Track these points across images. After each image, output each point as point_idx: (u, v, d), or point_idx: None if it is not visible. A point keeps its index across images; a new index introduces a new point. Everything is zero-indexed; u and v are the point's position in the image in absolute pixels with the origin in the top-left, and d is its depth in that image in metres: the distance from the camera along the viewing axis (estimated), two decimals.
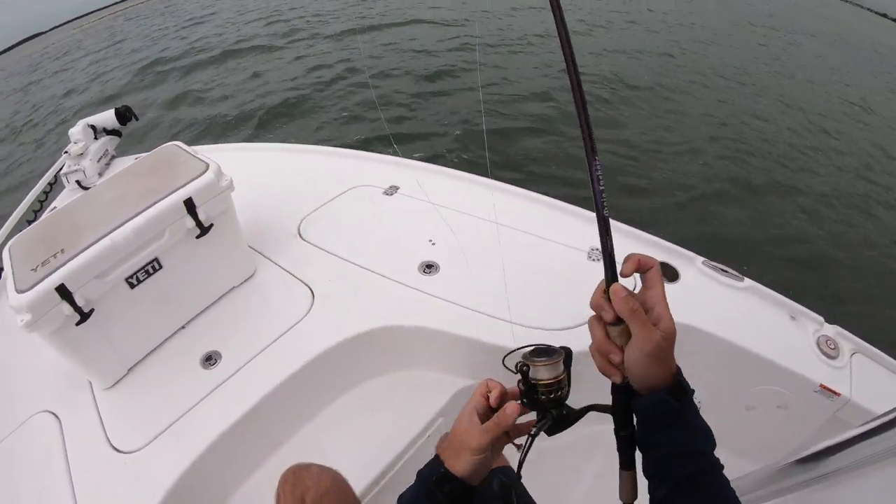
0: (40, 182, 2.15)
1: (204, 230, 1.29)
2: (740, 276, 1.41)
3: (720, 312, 1.31)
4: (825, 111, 7.41)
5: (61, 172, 2.10)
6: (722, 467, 0.59)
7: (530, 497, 0.89)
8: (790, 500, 0.77)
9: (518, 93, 6.46)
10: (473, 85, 6.74)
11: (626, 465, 0.64)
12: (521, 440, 0.66)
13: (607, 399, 0.65)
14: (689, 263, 1.44)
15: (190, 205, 1.23)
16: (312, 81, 7.94)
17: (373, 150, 2.11)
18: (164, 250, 1.24)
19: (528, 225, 1.58)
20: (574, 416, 0.66)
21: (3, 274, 1.62)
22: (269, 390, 1.19)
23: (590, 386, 0.71)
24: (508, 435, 0.67)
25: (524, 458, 0.63)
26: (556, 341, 0.66)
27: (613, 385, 0.63)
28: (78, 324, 1.13)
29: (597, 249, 1.45)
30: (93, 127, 2.23)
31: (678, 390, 0.58)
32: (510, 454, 0.73)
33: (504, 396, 0.67)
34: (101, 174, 2.14)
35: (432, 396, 1.31)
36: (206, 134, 6.74)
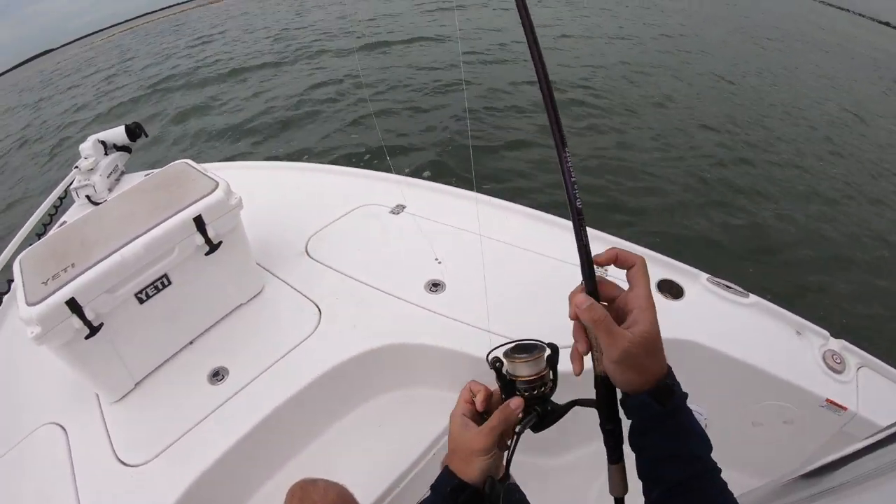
0: (51, 196, 2.17)
1: (213, 247, 1.31)
2: (745, 292, 1.41)
3: (725, 328, 1.31)
4: (830, 120, 7.44)
5: (71, 187, 2.13)
6: (719, 471, 0.58)
7: (524, 495, 0.89)
8: None
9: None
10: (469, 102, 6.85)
11: (613, 459, 0.64)
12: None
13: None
14: (694, 280, 1.44)
15: (199, 222, 1.25)
16: (314, 98, 8.09)
17: (362, 165, 2.13)
18: (174, 266, 1.26)
19: (533, 243, 1.60)
20: (559, 412, 0.66)
21: (12, 286, 1.65)
22: (276, 406, 1.19)
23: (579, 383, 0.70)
24: (502, 436, 0.65)
25: (511, 455, 0.63)
26: (564, 358, 0.66)
27: (596, 379, 0.63)
28: (87, 337, 1.14)
29: (605, 267, 1.46)
30: (103, 143, 2.27)
31: (662, 393, 0.57)
32: None
33: (490, 399, 0.67)
34: (110, 189, 2.17)
35: (439, 413, 1.30)
36: (212, 149, 6.83)
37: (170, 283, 1.27)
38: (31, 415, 1.28)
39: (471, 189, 1.88)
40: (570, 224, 0.62)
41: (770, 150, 6.01)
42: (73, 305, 1.08)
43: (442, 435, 1.28)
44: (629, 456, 0.63)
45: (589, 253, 0.62)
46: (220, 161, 2.51)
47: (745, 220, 4.53)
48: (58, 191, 2.19)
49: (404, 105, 7.04)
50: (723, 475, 0.59)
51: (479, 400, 0.67)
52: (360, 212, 1.84)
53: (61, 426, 1.24)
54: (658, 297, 1.39)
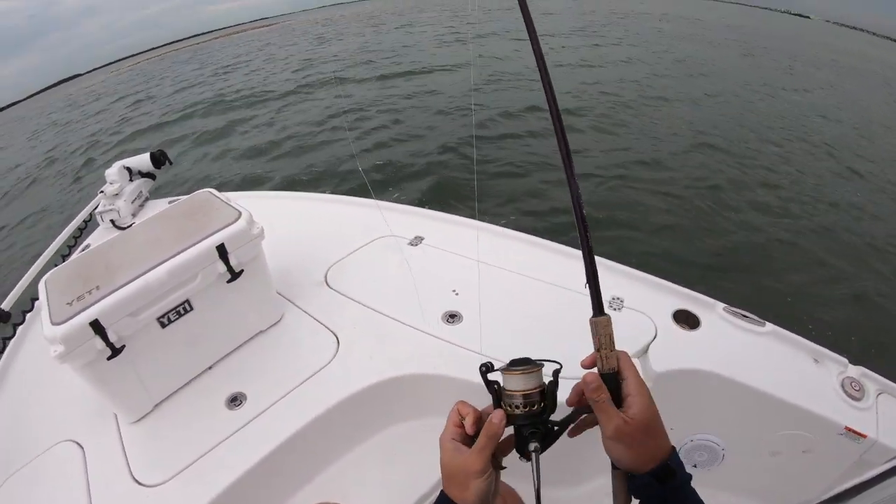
0: (76, 219, 2.23)
1: (235, 275, 1.34)
2: (761, 320, 1.40)
3: (742, 358, 1.29)
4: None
5: (97, 211, 2.19)
6: None
7: None
8: None
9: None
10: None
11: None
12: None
13: None
14: (710, 310, 1.43)
15: (222, 250, 1.28)
16: (328, 126, 8.28)
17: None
18: (196, 293, 1.28)
19: (550, 274, 1.60)
20: (562, 427, 0.66)
21: (36, 304, 1.69)
22: (293, 433, 1.20)
23: None
24: (495, 455, 0.65)
25: (539, 484, 0.62)
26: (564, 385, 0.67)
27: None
28: (109, 358, 1.17)
29: (618, 298, 1.46)
30: (128, 169, 2.34)
31: (664, 473, 0.60)
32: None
33: (480, 421, 0.66)
34: (134, 214, 2.23)
35: None
36: (232, 174, 7.01)
37: (192, 308, 1.30)
38: (49, 431, 1.30)
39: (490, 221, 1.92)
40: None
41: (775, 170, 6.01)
42: (96, 327, 1.11)
43: None
44: None
45: (594, 265, 0.72)
46: (240, 189, 2.57)
47: (759, 243, 4.49)
48: (83, 214, 2.25)
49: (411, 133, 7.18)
50: None
51: (468, 423, 0.66)
52: (379, 243, 1.87)
53: (78, 444, 1.26)
54: (674, 328, 1.38)
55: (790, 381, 1.24)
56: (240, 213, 1.35)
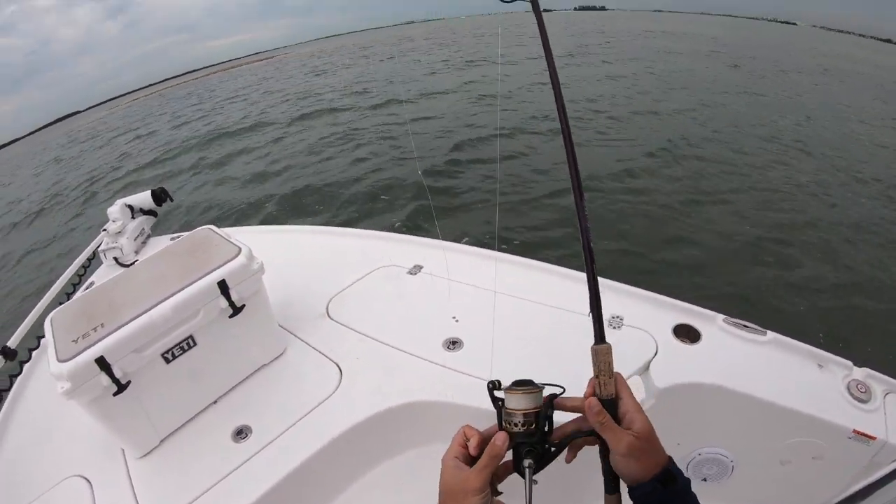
0: (80, 257, 2.25)
1: (236, 310, 1.35)
2: (762, 329, 1.39)
3: (745, 369, 1.29)
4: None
5: (100, 249, 2.22)
6: None
7: None
8: None
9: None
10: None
11: (610, 489, 0.69)
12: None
13: None
14: (710, 322, 1.44)
15: (223, 286, 1.30)
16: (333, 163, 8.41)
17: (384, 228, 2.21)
18: (199, 328, 1.30)
19: (549, 297, 1.61)
20: (559, 447, 0.69)
21: (42, 342, 1.71)
22: (299, 464, 1.20)
23: None
24: (492, 479, 0.67)
25: (530, 501, 0.64)
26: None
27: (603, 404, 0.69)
28: (115, 394, 1.18)
29: (618, 317, 1.47)
30: (130, 207, 2.37)
31: (666, 478, 0.64)
32: None
33: (483, 443, 0.68)
34: (137, 252, 2.25)
35: None
36: (233, 210, 7.12)
37: (195, 344, 1.31)
38: (57, 466, 1.31)
39: (483, 247, 1.95)
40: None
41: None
42: (102, 363, 1.12)
43: None
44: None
45: (597, 289, 0.78)
46: (245, 216, 2.60)
47: (767, 256, 4.51)
48: (86, 252, 2.27)
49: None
50: None
51: (472, 444, 0.69)
52: (379, 273, 1.89)
53: (86, 479, 1.26)
54: (675, 343, 1.39)
55: (795, 388, 1.24)
56: (239, 250, 1.37)
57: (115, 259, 2.20)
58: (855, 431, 1.14)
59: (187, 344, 1.30)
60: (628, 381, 0.72)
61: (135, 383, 1.21)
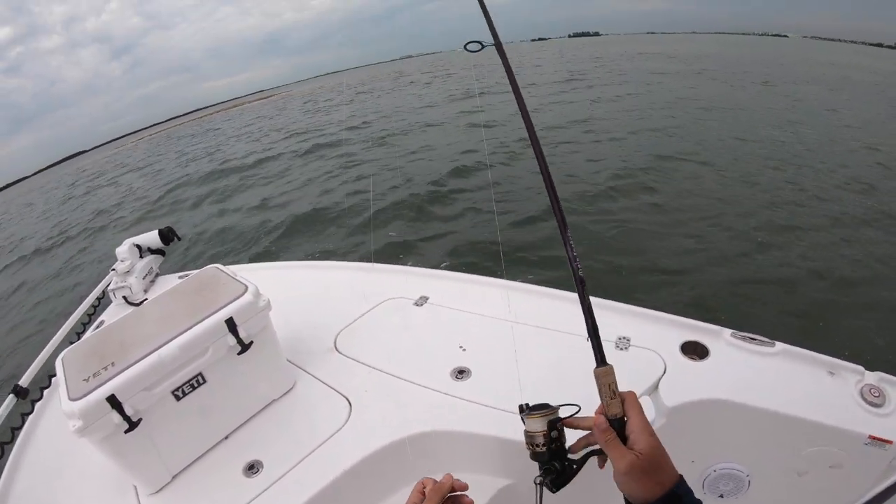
0: (89, 297, 2.28)
1: (245, 347, 1.36)
2: (770, 341, 1.38)
3: (755, 382, 1.28)
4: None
5: (109, 288, 2.25)
6: None
7: None
8: None
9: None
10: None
11: None
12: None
13: None
14: (717, 337, 1.43)
15: (231, 324, 1.32)
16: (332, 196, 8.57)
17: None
18: (208, 366, 1.31)
19: (557, 323, 1.62)
20: (578, 465, 0.75)
21: (53, 380, 1.72)
22: (310, 497, 1.19)
23: None
24: None
25: None
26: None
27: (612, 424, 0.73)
28: (126, 432, 1.18)
29: (625, 338, 1.47)
30: (138, 246, 2.41)
31: (671, 500, 0.65)
32: None
33: (440, 490, 0.80)
34: (146, 290, 2.28)
35: (474, 496, 1.29)
36: (242, 247, 7.23)
37: (205, 381, 1.32)
38: None
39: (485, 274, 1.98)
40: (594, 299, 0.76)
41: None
42: (113, 402, 1.13)
43: None
44: None
45: (592, 315, 0.82)
46: (248, 262, 2.64)
47: (770, 265, 4.49)
48: (96, 292, 2.30)
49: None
50: None
51: (428, 489, 0.81)
52: (385, 306, 1.90)
53: None
54: (683, 360, 1.38)
55: (807, 397, 1.22)
56: (246, 287, 1.39)
57: (125, 298, 2.22)
58: (871, 437, 1.13)
59: (197, 381, 1.31)
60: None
61: (146, 421, 1.22)
